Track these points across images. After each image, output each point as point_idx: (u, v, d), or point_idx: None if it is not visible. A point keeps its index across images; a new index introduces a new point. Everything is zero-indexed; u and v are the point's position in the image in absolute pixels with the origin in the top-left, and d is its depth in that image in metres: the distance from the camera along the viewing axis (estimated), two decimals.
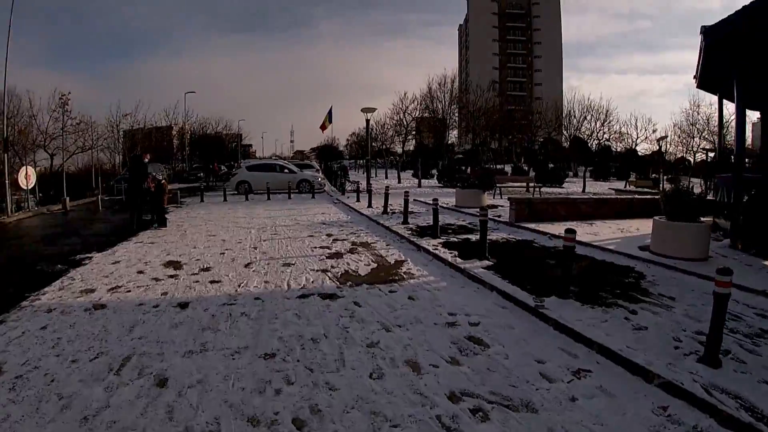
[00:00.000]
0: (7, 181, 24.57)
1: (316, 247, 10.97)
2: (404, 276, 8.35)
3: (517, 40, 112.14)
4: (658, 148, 42.60)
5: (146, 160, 15.47)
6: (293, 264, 9.34)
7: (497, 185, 21.79)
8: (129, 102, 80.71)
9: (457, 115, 46.04)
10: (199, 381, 4.48)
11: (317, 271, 8.76)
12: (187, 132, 59.11)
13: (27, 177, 23.50)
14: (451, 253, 9.72)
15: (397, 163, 47.87)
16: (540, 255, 9.63)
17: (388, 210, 16.67)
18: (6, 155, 25.07)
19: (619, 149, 45.31)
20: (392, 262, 9.45)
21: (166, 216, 16.20)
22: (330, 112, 43.95)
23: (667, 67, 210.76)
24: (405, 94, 43.87)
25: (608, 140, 40.57)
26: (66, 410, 4.02)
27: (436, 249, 10.10)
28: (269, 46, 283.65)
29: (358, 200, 21.22)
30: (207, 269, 9.18)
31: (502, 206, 17.51)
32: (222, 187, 26.16)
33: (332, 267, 9.03)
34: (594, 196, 14.64)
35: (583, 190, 30.32)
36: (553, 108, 45.76)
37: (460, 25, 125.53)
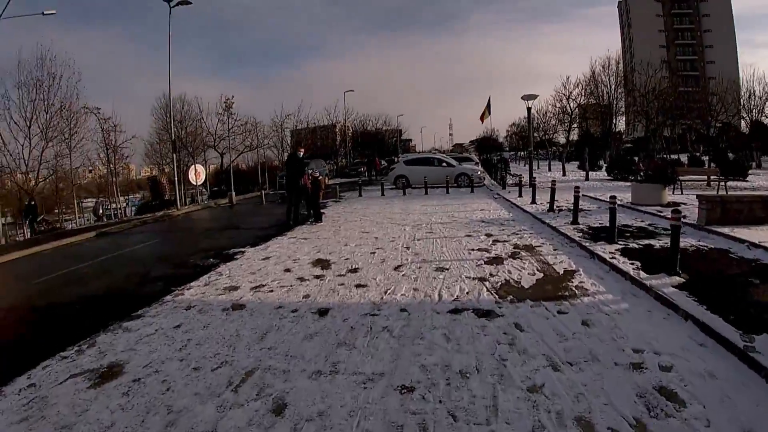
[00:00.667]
0: (176, 178, 26.34)
1: (473, 250, 9.92)
2: (576, 291, 7.04)
3: (683, 14, 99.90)
4: None
5: (301, 154, 15.34)
6: (447, 269, 8.41)
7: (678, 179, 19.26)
8: (292, 104, 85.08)
9: (623, 100, 42.70)
10: (320, 414, 3.86)
11: (473, 279, 7.75)
12: (349, 129, 60.80)
13: (196, 174, 24.96)
14: (632, 263, 8.18)
15: (560, 154, 45.31)
16: (742, 271, 7.75)
17: (555, 207, 15.14)
18: (175, 155, 26.79)
19: None
20: (561, 272, 8.13)
21: (323, 211, 16.08)
22: (488, 103, 42.64)
23: None
24: (568, 79, 41.07)
25: None
26: (170, 428, 3.80)
27: (614, 257, 8.60)
28: (420, 42, 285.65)
29: (520, 195, 19.76)
30: (355, 270, 8.68)
31: (684, 204, 15.29)
32: (381, 182, 25.81)
33: (491, 275, 7.94)
34: None
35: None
36: (731, 88, 40.55)
37: (620, 1, 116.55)
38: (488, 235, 11.54)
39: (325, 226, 14.15)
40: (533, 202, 17.18)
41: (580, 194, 19.89)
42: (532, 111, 25.55)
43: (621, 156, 34.40)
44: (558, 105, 41.12)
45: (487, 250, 9.81)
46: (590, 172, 31.99)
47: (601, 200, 17.13)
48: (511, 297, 6.78)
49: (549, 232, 11.91)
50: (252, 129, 42.22)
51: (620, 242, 9.83)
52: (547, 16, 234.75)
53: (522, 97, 23.48)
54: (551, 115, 45.18)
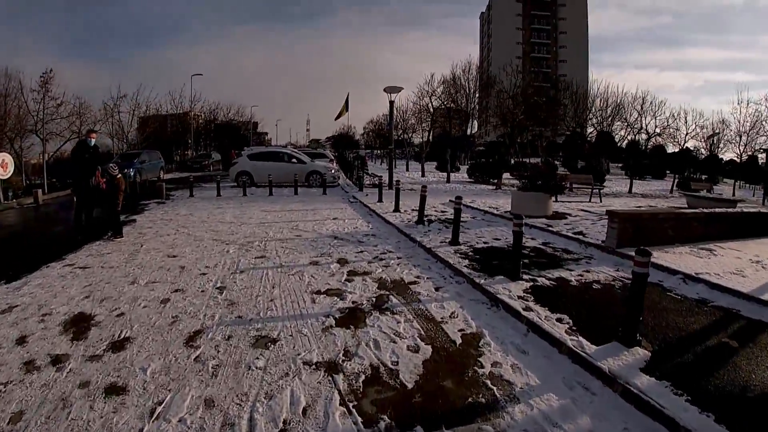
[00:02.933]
0: None
1: (320, 293, 6.63)
2: (494, 391, 4.11)
3: (541, 29, 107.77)
4: (709, 145, 38.71)
5: (92, 141, 11.20)
6: (275, 340, 5.08)
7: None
8: (133, 87, 77.12)
9: (477, 104, 42.27)
10: None
11: (316, 368, 4.48)
12: (196, 117, 55.52)
13: (3, 165, 19.78)
14: (558, 319, 5.49)
15: (418, 153, 43.55)
16: (703, 325, 5.48)
17: (425, 218, 12.25)
18: None
19: (656, 145, 40.43)
20: (458, 340, 5.11)
21: (134, 218, 12.42)
22: (347, 100, 39.96)
23: (688, 63, 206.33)
24: (432, 76, 39.56)
25: (658, 134, 35.88)
26: None
27: (528, 308, 5.81)
28: (287, 35, 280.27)
29: (380, 200, 16.78)
30: (121, 344, 5.10)
31: (570, 216, 13.17)
32: (217, 179, 21.78)
33: (345, 355, 4.73)
34: (705, 210, 10.28)
35: (630, 191, 27.23)
36: (582, 98, 41.39)
37: (482, 12, 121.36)
38: (342, 262, 8.33)
39: (122, 245, 10.19)
40: (396, 209, 14.24)
41: (446, 199, 17.59)
42: (394, 110, 22.84)
43: (485, 159, 32.95)
44: (420, 103, 39.25)
45: (339, 294, 6.56)
46: (450, 174, 30.03)
47: (475, 208, 14.60)
48: (387, 421, 3.63)
49: (423, 255, 8.93)
50: (84, 112, 36.25)
51: (525, 275, 7.07)
52: (413, 23, 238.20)
53: (385, 89, 20.89)
54: (411, 113, 43.53)
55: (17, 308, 6.44)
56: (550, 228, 11.07)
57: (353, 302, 6.20)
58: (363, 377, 4.29)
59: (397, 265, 8.18)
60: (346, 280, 7.23)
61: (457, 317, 5.72)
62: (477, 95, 42.24)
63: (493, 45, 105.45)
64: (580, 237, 10.06)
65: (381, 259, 8.56)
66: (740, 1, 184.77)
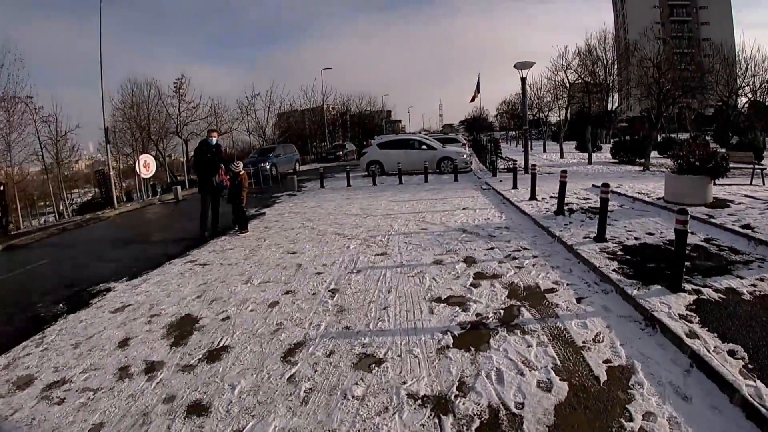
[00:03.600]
0: (110, 173, 21.99)
1: (439, 300, 5.82)
2: None
3: None
4: None
5: (214, 140, 11.08)
6: (379, 362, 4.39)
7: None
8: (266, 86, 79.95)
9: (617, 76, 39.03)
10: None
11: (422, 404, 3.74)
12: (329, 110, 56.62)
13: (145, 165, 20.97)
14: (731, 351, 4.26)
15: (556, 133, 41.25)
16: None
17: (565, 208, 11.00)
18: (109, 146, 22.57)
19: None
20: (602, 377, 4.05)
21: (263, 211, 12.48)
22: (478, 82, 38.70)
23: None
24: (566, 48, 37.00)
25: None
26: None
27: (693, 334, 4.57)
28: (409, 22, 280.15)
29: (515, 187, 15.46)
30: (218, 353, 4.89)
31: (733, 203, 11.34)
32: (347, 170, 21.53)
33: (460, 389, 3.90)
34: None
35: None
36: (728, 65, 36.77)
37: None
38: (469, 261, 7.44)
39: (246, 240, 10.07)
40: (533, 197, 13.01)
41: (589, 184, 16.05)
42: (527, 87, 21.35)
43: (629, 136, 30.38)
44: (554, 78, 36.89)
45: (462, 303, 5.69)
46: (592, 154, 27.95)
47: (622, 195, 13.05)
48: None
49: (563, 254, 7.78)
50: (212, 112, 38.15)
51: (686, 284, 5.77)
52: None
53: (515, 65, 19.47)
54: (546, 91, 41.25)
55: (129, 308, 6.36)
56: (712, 219, 9.46)
57: (477, 315, 5.33)
58: (477, 423, 3.46)
59: (532, 266, 7.14)
60: (471, 284, 6.33)
61: (602, 341, 4.65)
62: (616, 66, 39.15)
63: (628, 10, 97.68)
64: (749, 232, 8.44)
65: (514, 258, 7.55)
66: None
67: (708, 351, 4.23)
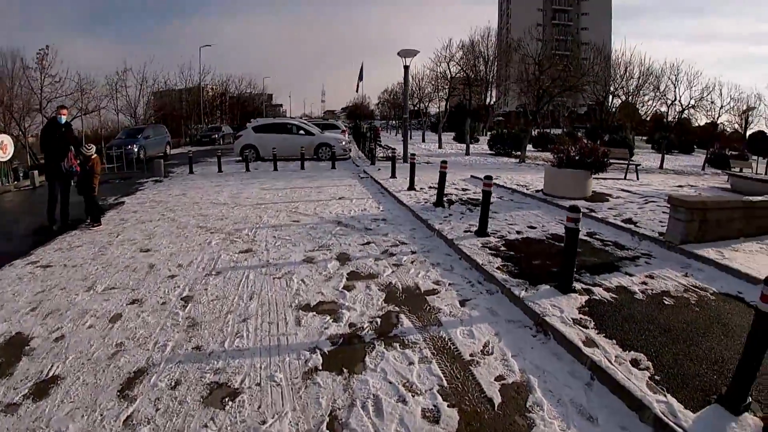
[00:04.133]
0: None
1: (308, 308, 5.08)
2: None
3: None
4: (743, 120, 36.88)
5: (63, 119, 9.67)
6: (234, 394, 3.59)
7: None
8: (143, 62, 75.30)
9: (496, 73, 40.33)
10: None
11: None
12: (206, 90, 53.94)
13: (2, 147, 18.45)
14: (633, 360, 3.95)
15: (435, 124, 41.65)
16: None
17: (444, 200, 10.64)
18: None
19: (680, 119, 38.45)
20: (496, 399, 3.52)
21: (123, 200, 11.57)
22: (361, 70, 38.11)
23: (714, 35, 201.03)
24: (450, 40, 37.27)
25: (692, 106, 33.96)
26: None
27: (591, 341, 4.22)
28: (301, 5, 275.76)
29: (393, 176, 15.09)
30: (46, 387, 3.85)
31: (611, 197, 11.51)
32: (218, 155, 20.13)
33: (331, 426, 3.20)
34: None
35: (661, 167, 25.11)
36: (605, 66, 39.07)
37: None
38: (343, 259, 6.77)
39: (97, 234, 8.70)
40: (411, 187, 12.61)
41: (467, 175, 15.93)
42: (409, 77, 20.99)
43: (506, 129, 31.09)
44: (437, 69, 37.19)
45: (334, 311, 5.00)
46: (469, 146, 28.27)
47: (501, 186, 12.95)
48: None
49: (444, 249, 7.32)
50: (78, 88, 34.82)
51: (576, 283, 5.46)
52: None
53: (399, 53, 18.97)
54: (427, 81, 41.57)
55: None
56: (594, 213, 9.43)
57: (351, 325, 4.66)
58: None
59: (411, 263, 6.60)
60: (345, 287, 5.66)
61: (492, 353, 4.16)
62: (496, 63, 40.33)
63: (513, 11, 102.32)
64: (632, 227, 8.44)
65: (391, 255, 6.97)
66: None
67: (609, 361, 3.87)
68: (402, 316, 4.86)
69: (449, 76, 36.29)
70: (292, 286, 5.69)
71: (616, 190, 12.92)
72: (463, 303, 5.22)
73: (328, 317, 4.81)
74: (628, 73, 34.18)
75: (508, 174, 16.19)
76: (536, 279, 5.68)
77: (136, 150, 23.10)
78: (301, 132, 22.98)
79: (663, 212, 10.11)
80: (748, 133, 39.95)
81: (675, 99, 33.67)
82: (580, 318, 4.66)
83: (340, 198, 11.94)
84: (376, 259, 6.77)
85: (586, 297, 5.19)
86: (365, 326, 4.63)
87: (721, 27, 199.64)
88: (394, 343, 4.29)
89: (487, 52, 38.93)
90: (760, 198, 8.84)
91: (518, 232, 8.09)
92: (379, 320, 4.76)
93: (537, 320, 4.73)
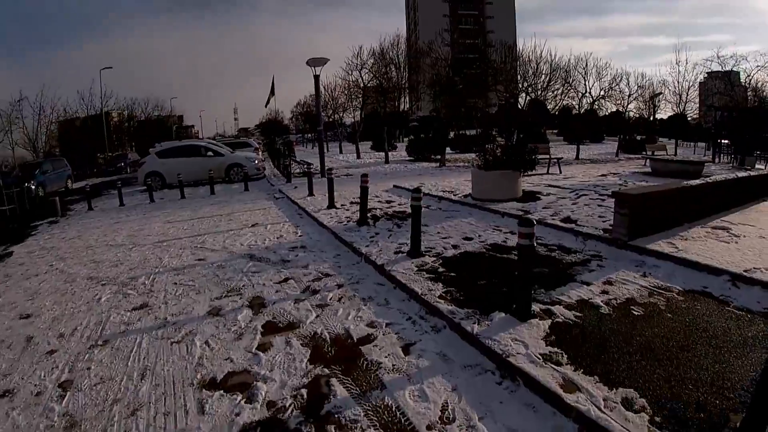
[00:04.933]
0: None
1: (213, 385, 3.97)
2: None
3: (468, 1, 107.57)
4: (651, 106, 38.76)
5: None
6: None
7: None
8: (44, 90, 71.05)
9: (407, 79, 40.25)
10: None
11: None
12: (110, 116, 51.09)
13: None
14: (625, 399, 3.23)
15: (353, 133, 40.80)
16: None
17: (368, 216, 9.73)
18: None
19: (587, 109, 39.65)
20: None
21: (4, 252, 9.94)
22: (272, 84, 36.79)
23: (612, 29, 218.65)
24: (360, 48, 36.51)
25: (602, 96, 35.21)
26: None
27: (571, 384, 3.42)
28: (207, 22, 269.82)
29: (311, 193, 14.01)
30: None
31: (542, 195, 10.98)
32: (118, 186, 18.32)
33: None
34: (709, 181, 8.58)
35: (577, 157, 26.32)
36: (512, 67, 39.83)
37: None
38: (256, 306, 5.64)
39: None
40: (331, 204, 11.61)
41: (390, 185, 15.04)
42: (320, 87, 19.98)
43: (423, 134, 30.76)
44: (349, 78, 36.43)
45: (246, 384, 3.90)
46: (388, 153, 27.63)
47: (427, 194, 12.10)
48: None
49: (375, 278, 6.35)
50: None
51: (533, 304, 4.65)
52: (337, 2, 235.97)
53: (308, 62, 18.00)
54: (340, 91, 40.73)
55: None
56: (530, 215, 8.76)
57: (270, 404, 3.60)
58: None
59: (339, 300, 5.60)
60: (259, 346, 4.56)
61: (454, 419, 3.27)
62: (407, 69, 40.16)
63: (420, 18, 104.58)
64: (573, 226, 7.82)
65: (314, 292, 5.93)
66: None
67: (599, 408, 3.10)
68: (334, 381, 3.85)
69: (362, 85, 35.55)
70: (194, 352, 4.56)
71: (545, 187, 12.46)
72: (406, 350, 4.28)
73: (240, 396, 3.74)
74: (538, 69, 34.57)
75: (432, 180, 15.48)
76: (487, 305, 4.84)
77: (34, 187, 21.12)
78: (210, 153, 21.49)
79: (598, 205, 9.68)
80: (658, 117, 41.84)
81: (586, 91, 34.38)
82: (550, 352, 3.86)
83: (253, 225, 10.75)
84: (297, 300, 5.69)
85: (549, 321, 4.43)
86: (288, 404, 3.59)
87: (612, 21, 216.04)
88: (328, 426, 3.30)
89: (398, 58, 38.54)
90: (697, 181, 8.66)
91: (455, 247, 7.27)
92: (305, 392, 3.73)
93: (499, 361, 3.85)
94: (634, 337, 4.07)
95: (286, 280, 6.53)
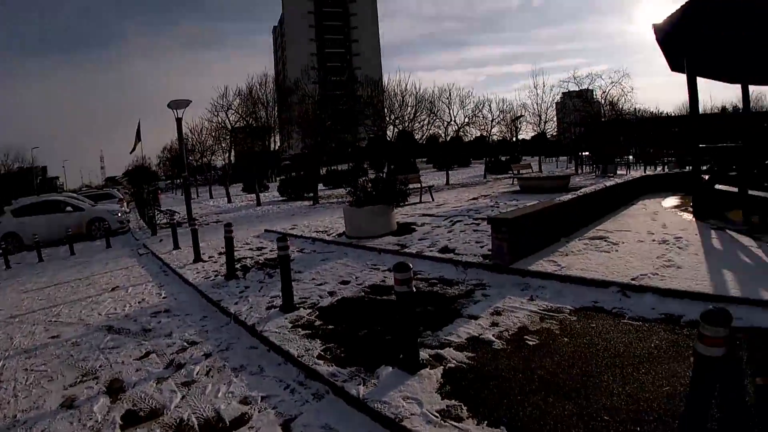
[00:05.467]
0: None
1: None
2: None
3: (335, 39, 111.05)
4: (513, 128, 41.30)
5: None
6: None
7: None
8: None
9: (277, 118, 40.13)
10: None
11: None
12: None
13: None
14: None
15: (224, 176, 39.69)
16: None
17: (236, 268, 9.17)
18: None
19: (453, 136, 41.43)
20: None
21: None
22: (138, 129, 35.00)
23: (471, 61, 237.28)
24: (226, 88, 35.46)
25: (467, 123, 37.27)
26: None
27: None
28: (71, 67, 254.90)
29: (176, 246, 13.17)
30: None
31: (417, 226, 11.03)
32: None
33: None
34: (579, 194, 9.10)
35: (447, 182, 27.95)
36: (380, 99, 40.95)
37: (275, 26, 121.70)
38: (114, 393, 4.84)
39: None
40: (198, 258, 10.92)
41: (261, 229, 14.56)
42: (186, 130, 19.11)
43: (295, 173, 30.55)
44: (215, 119, 35.40)
45: None
46: (260, 195, 27.06)
47: (300, 236, 11.73)
48: None
49: (246, 342, 5.77)
50: None
51: (421, 350, 4.39)
52: (208, 44, 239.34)
53: (169, 105, 16.97)
54: (207, 133, 39.62)
55: None
56: (408, 249, 8.66)
57: None
58: None
59: (207, 374, 4.99)
60: None
61: None
62: (276, 108, 39.87)
63: (288, 57, 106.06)
64: (452, 256, 7.77)
65: (179, 367, 5.26)
66: (515, 3, 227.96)
67: None
68: None
69: (229, 126, 34.63)
70: None
71: (419, 217, 12.52)
72: (287, 427, 3.81)
73: None
74: (404, 102, 35.49)
75: (304, 220, 15.13)
76: (372, 359, 4.51)
77: None
78: (69, 209, 19.90)
79: (474, 230, 9.78)
80: (521, 138, 44.69)
81: (451, 119, 36.02)
82: (447, 406, 3.58)
83: (113, 289, 9.76)
84: (160, 380, 5.00)
85: (440, 369, 4.18)
86: None
87: (473, 54, 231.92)
88: None
89: (267, 97, 38.07)
90: (569, 196, 9.16)
91: (331, 294, 6.93)
92: None
93: (393, 428, 3.50)
94: (535, 372, 3.92)
95: (147, 354, 5.80)
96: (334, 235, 11.22)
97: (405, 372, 4.15)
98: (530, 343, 4.48)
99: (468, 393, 3.73)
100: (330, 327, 5.58)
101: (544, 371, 3.90)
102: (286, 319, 6.03)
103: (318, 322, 5.79)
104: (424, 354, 4.41)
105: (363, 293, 6.81)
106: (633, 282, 5.53)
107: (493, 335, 4.74)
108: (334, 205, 19.03)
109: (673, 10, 8.64)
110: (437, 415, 3.48)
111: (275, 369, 4.92)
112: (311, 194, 23.05)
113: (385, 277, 7.51)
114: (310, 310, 6.27)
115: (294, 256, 9.58)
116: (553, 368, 3.94)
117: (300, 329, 5.61)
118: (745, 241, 7.19)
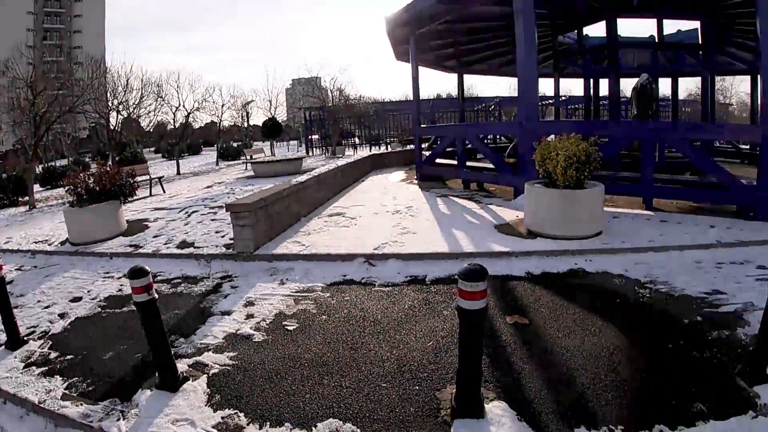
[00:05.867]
0: None
1: None
2: None
3: (56, 12, 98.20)
4: (245, 113, 41.56)
5: None
6: None
7: None
8: None
9: None
10: None
11: None
12: None
13: None
14: None
15: None
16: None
17: None
18: None
19: (183, 123, 40.16)
20: None
21: None
22: None
23: (200, 47, 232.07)
24: None
25: (197, 109, 36.50)
26: None
27: None
28: None
29: None
30: None
31: (149, 221, 10.46)
32: None
33: None
34: (316, 174, 9.49)
35: (178, 172, 26.82)
36: (103, 82, 37.42)
37: None
38: None
39: None
40: None
41: None
42: None
43: (8, 172, 26.56)
44: None
45: None
46: None
47: (15, 251, 10.18)
48: None
49: None
50: None
51: (177, 362, 4.11)
52: None
53: None
54: None
55: None
56: (142, 249, 8.11)
57: None
58: None
59: None
60: None
61: None
62: None
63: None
64: (192, 250, 7.51)
65: None
66: None
67: None
68: None
69: None
70: None
71: (151, 211, 11.85)
72: None
73: None
74: (129, 86, 33.04)
75: (20, 230, 12.87)
76: (126, 386, 4.12)
77: None
78: None
79: (212, 220, 9.63)
80: (252, 123, 45.20)
81: (180, 104, 35.42)
82: (223, 419, 3.44)
83: None
84: None
85: (204, 378, 4.01)
86: None
87: (202, 39, 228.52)
88: None
89: None
90: (304, 177, 9.46)
91: (63, 316, 6.11)
92: None
93: None
94: (302, 356, 3.98)
95: None
96: (56, 244, 9.96)
97: (167, 391, 3.86)
98: (290, 328, 4.54)
99: (240, 397, 3.63)
100: (69, 357, 4.97)
101: (312, 354, 3.99)
102: (16, 358, 5.18)
103: (54, 354, 5.11)
104: (182, 365, 4.17)
105: (99, 308, 6.17)
106: (376, 251, 5.96)
107: (252, 328, 4.70)
108: (54, 209, 17.02)
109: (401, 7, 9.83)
110: (215, 431, 3.33)
111: (19, 425, 4.22)
112: (26, 198, 20.22)
113: (121, 285, 6.89)
114: (42, 341, 5.50)
115: (12, 276, 8.28)
116: (319, 348, 4.04)
117: (35, 367, 4.88)
118: (468, 204, 8.13)
